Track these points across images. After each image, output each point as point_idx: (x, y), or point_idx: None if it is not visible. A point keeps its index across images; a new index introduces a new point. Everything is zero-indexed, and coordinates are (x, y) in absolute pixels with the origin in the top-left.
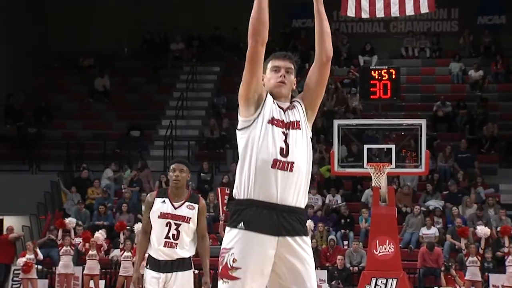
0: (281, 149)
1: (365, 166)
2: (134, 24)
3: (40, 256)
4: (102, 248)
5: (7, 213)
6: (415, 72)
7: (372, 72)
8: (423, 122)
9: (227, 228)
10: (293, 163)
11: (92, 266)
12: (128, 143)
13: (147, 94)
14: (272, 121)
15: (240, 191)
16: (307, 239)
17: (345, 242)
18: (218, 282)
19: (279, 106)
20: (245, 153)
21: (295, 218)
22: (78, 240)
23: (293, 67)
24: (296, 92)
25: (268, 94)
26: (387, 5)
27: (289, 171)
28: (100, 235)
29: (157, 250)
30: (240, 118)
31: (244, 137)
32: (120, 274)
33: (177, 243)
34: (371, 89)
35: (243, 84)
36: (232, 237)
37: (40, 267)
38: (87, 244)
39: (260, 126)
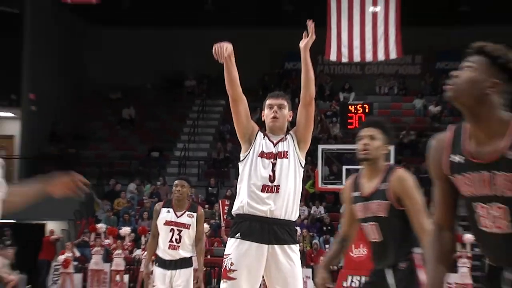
0: (269, 176)
1: (343, 183)
2: (156, 66)
3: (77, 254)
4: (127, 242)
5: (49, 218)
6: (386, 106)
7: (350, 106)
8: (391, 148)
9: (228, 238)
10: (279, 185)
11: (118, 263)
12: (149, 162)
13: (165, 122)
14: (261, 154)
15: (238, 208)
16: (295, 247)
17: (327, 246)
18: (221, 282)
19: (270, 140)
20: (242, 179)
21: (284, 229)
22: (107, 241)
23: (285, 103)
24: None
25: (259, 133)
26: (362, 52)
27: (276, 192)
28: (126, 231)
29: (163, 251)
30: (241, 154)
31: (241, 167)
32: (141, 270)
33: (179, 246)
34: (349, 120)
35: (235, 128)
36: (230, 245)
37: (76, 263)
38: (113, 245)
39: (251, 159)
